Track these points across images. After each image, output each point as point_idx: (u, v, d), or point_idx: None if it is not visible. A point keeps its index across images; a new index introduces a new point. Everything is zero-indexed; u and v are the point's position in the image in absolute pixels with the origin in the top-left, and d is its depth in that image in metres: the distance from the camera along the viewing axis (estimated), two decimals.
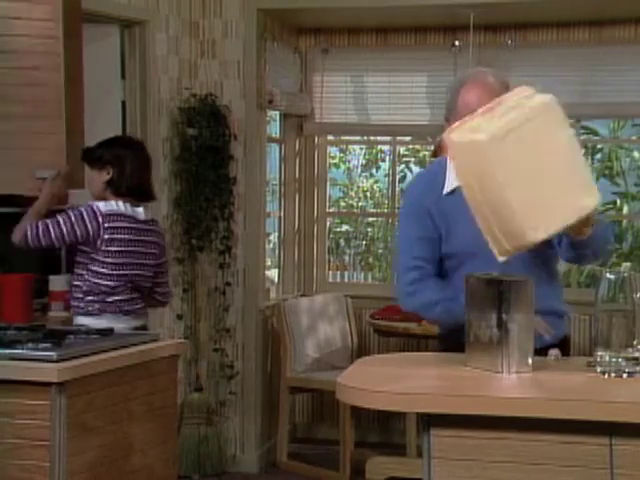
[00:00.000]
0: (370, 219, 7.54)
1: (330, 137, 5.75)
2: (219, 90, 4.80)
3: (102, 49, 4.34)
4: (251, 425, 4.89)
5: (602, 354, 2.29)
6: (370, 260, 7.27)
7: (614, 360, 2.27)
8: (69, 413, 2.58)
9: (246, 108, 4.80)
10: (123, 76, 4.44)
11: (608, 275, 2.28)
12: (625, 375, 2.27)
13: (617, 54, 5.03)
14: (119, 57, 4.42)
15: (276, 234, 5.63)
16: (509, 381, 2.33)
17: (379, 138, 6.17)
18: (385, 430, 5.25)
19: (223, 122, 4.72)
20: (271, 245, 5.73)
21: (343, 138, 6.04)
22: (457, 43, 5.17)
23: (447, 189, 2.64)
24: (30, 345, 2.71)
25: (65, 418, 2.57)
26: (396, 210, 5.95)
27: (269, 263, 5.47)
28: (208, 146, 4.67)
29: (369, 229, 7.53)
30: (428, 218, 2.65)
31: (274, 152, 5.41)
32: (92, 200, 3.45)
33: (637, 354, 2.27)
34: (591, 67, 5.07)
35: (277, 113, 5.38)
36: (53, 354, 2.62)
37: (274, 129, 5.47)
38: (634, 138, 6.90)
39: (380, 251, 7.35)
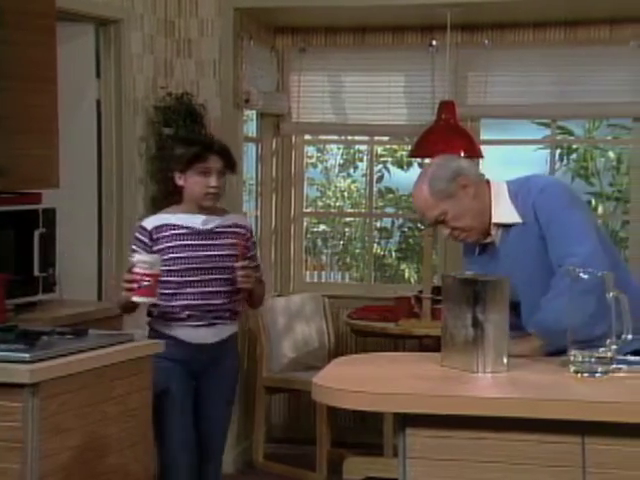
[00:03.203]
0: (347, 219, 7.55)
1: (307, 137, 5.75)
2: (195, 89, 4.78)
3: (77, 48, 4.32)
4: None
5: (576, 354, 2.31)
6: (347, 260, 7.28)
7: (587, 360, 2.29)
8: (42, 415, 2.57)
9: (222, 107, 4.79)
10: (98, 75, 4.42)
11: (582, 275, 2.30)
12: (598, 374, 2.30)
13: (592, 54, 5.07)
14: (94, 56, 4.40)
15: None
16: (484, 381, 2.34)
17: (357, 138, 6.17)
18: (362, 430, 5.25)
19: (199, 121, 4.71)
20: None
21: (320, 138, 6.04)
22: (434, 43, 5.19)
23: None
24: (2, 346, 2.69)
25: (38, 420, 2.56)
26: (374, 210, 5.96)
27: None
28: None
29: (347, 229, 7.54)
30: None
31: (251, 152, 5.41)
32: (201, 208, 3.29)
33: (610, 354, 2.29)
34: (567, 67, 5.11)
35: (254, 112, 5.37)
36: (26, 355, 2.61)
37: (251, 128, 5.46)
38: (609, 138, 6.96)
39: (357, 251, 7.36)
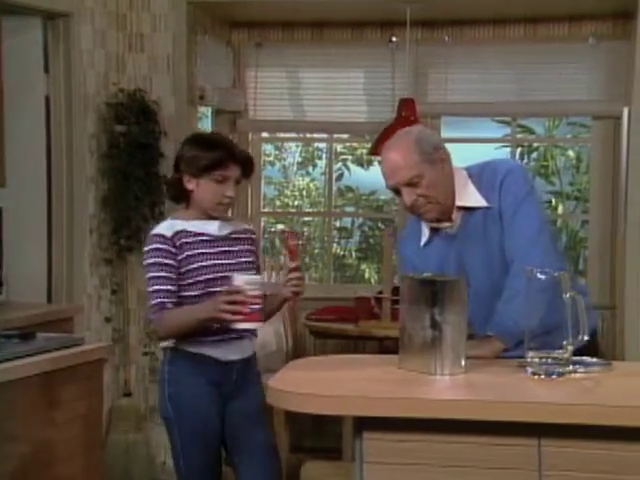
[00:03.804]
0: (306, 218, 7.55)
1: (264, 134, 5.75)
2: (148, 85, 4.76)
3: (24, 42, 4.27)
4: None
5: (533, 355, 2.34)
6: (306, 260, 7.28)
7: (544, 361, 2.32)
8: None
9: (176, 104, 4.77)
10: (47, 70, 4.37)
11: (539, 275, 2.33)
12: (555, 376, 2.33)
13: (552, 52, 5.14)
14: (42, 51, 4.35)
15: None
16: (442, 383, 2.36)
17: (315, 135, 6.19)
18: (321, 434, 5.26)
19: (153, 118, 4.69)
20: None
21: (278, 135, 6.05)
22: (394, 39, 5.23)
23: None
24: None
25: None
26: (333, 209, 5.98)
27: None
28: (137, 143, 4.63)
29: (305, 228, 7.54)
30: None
31: None
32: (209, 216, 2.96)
33: (567, 355, 2.32)
34: (526, 64, 5.18)
35: (209, 109, 5.36)
36: None
37: (206, 125, 5.45)
38: (569, 137, 7.05)
39: (317, 251, 7.37)
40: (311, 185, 7.51)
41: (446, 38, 5.20)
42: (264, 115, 5.45)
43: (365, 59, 5.38)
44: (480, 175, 2.69)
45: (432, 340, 2.41)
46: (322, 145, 6.34)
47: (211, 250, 2.92)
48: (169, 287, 2.83)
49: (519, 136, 6.35)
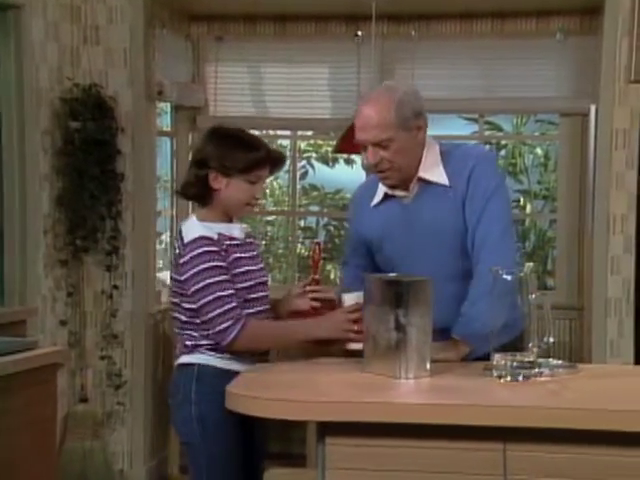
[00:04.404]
0: (270, 218, 7.55)
1: None
2: (104, 80, 4.72)
3: None
4: (140, 437, 4.84)
5: (498, 358, 2.36)
6: (270, 261, 7.28)
7: (510, 364, 2.35)
8: None
9: (134, 99, 4.74)
10: None
11: (504, 276, 2.35)
12: (521, 378, 2.35)
13: (519, 47, 5.18)
14: None
15: (167, 234, 5.58)
16: (406, 387, 2.38)
17: (278, 132, 6.18)
18: (285, 440, 5.26)
19: (109, 114, 4.66)
20: (162, 245, 5.67)
21: None
22: (360, 33, 5.24)
23: None
24: None
25: None
26: (297, 208, 5.98)
27: (160, 265, 5.42)
28: (93, 140, 4.60)
29: (269, 228, 7.54)
30: None
31: (165, 146, 5.37)
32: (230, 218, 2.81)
33: (532, 357, 2.35)
34: (494, 60, 5.21)
35: (168, 105, 5.34)
36: None
37: (165, 122, 5.42)
38: (537, 134, 7.11)
39: (280, 251, 7.37)
40: (274, 184, 7.51)
41: (413, 33, 5.22)
42: (225, 111, 5.44)
43: (329, 54, 5.39)
44: (450, 154, 2.69)
45: (397, 343, 2.42)
46: (285, 142, 6.33)
47: (244, 255, 2.76)
48: (232, 292, 2.64)
49: (487, 133, 6.39)
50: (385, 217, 2.75)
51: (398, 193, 2.73)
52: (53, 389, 3.00)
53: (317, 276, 2.83)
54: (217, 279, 2.63)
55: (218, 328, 2.63)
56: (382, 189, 2.77)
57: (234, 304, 2.63)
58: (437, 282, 2.48)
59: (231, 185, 2.72)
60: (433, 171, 2.67)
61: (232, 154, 2.71)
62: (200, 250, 2.64)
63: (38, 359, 2.95)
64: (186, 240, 2.67)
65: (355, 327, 2.61)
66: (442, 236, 2.66)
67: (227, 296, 2.62)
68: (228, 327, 2.62)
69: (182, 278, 2.66)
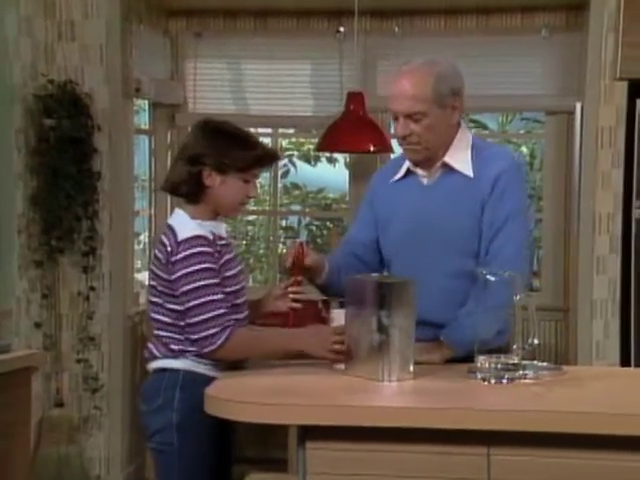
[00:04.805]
0: (250, 217, 7.55)
1: None
2: (80, 76, 4.70)
3: None
4: (117, 442, 4.81)
5: (482, 360, 2.37)
6: (251, 261, 7.28)
7: (494, 366, 2.35)
8: None
9: (110, 96, 4.71)
10: None
11: (489, 277, 2.36)
12: (505, 381, 2.36)
13: (504, 44, 5.19)
14: None
15: (146, 234, 5.57)
16: (389, 390, 2.38)
17: (259, 130, 6.17)
18: (265, 444, 5.26)
19: (85, 112, 4.63)
20: (141, 246, 5.66)
21: None
22: (342, 29, 5.24)
23: None
24: None
25: None
26: (279, 207, 5.97)
27: (138, 265, 5.41)
28: (68, 138, 4.57)
29: (249, 227, 7.54)
30: None
31: (143, 145, 5.35)
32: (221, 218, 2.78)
33: (517, 359, 2.36)
34: (479, 57, 5.21)
35: (146, 102, 5.32)
36: None
37: (143, 119, 5.41)
38: (522, 132, 7.13)
39: (261, 251, 7.37)
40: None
41: (396, 29, 5.23)
42: (204, 109, 5.42)
43: (311, 50, 5.38)
44: (480, 150, 2.69)
45: (379, 345, 2.42)
46: (266, 140, 6.33)
47: (231, 256, 2.71)
48: (222, 296, 2.60)
49: (473, 131, 6.40)
50: (401, 193, 2.75)
51: (419, 171, 2.73)
52: (27, 393, 2.99)
53: (299, 277, 2.80)
54: (209, 282, 2.58)
55: (204, 334, 2.58)
56: (405, 165, 2.77)
57: (223, 310, 2.58)
58: (432, 276, 2.52)
59: (226, 183, 2.68)
60: (459, 158, 2.67)
61: (230, 152, 2.67)
62: (195, 250, 2.59)
63: (12, 362, 2.94)
64: (180, 237, 2.60)
65: (342, 347, 2.57)
66: (448, 231, 2.66)
67: (217, 301, 2.58)
68: (215, 334, 2.57)
69: (172, 277, 2.60)
